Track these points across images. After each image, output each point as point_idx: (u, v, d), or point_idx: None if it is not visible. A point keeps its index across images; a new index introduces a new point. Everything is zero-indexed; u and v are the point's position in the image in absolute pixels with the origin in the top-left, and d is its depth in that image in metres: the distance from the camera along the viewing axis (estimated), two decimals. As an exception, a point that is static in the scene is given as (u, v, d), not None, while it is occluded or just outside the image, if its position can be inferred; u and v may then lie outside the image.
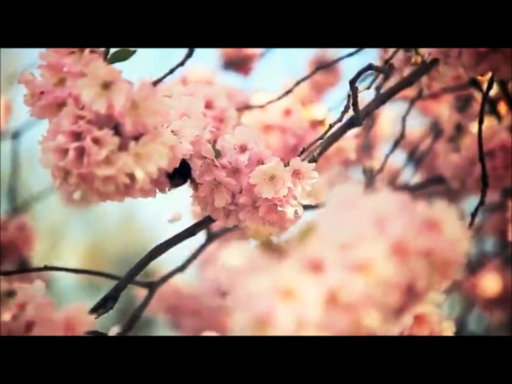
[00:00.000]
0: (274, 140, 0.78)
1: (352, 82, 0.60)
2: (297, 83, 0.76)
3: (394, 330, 0.52)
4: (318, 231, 0.41)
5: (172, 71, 0.54)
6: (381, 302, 0.40)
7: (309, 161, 0.64)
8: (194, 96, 0.68)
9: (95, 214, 2.40)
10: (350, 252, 0.40)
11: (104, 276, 0.73)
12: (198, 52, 0.66)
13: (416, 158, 1.03)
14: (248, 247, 0.41)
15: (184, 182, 0.60)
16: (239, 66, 1.25)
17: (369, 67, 0.60)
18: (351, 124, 0.64)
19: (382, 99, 0.66)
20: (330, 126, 0.63)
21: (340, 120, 0.63)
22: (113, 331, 0.60)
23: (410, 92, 0.82)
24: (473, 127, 0.80)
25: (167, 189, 0.61)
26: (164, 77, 0.54)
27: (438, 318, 0.56)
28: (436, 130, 0.96)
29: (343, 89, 1.18)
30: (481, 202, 0.61)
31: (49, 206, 2.04)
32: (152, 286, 0.76)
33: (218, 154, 0.62)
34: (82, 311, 0.52)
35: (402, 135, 0.79)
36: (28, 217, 1.19)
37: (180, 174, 0.58)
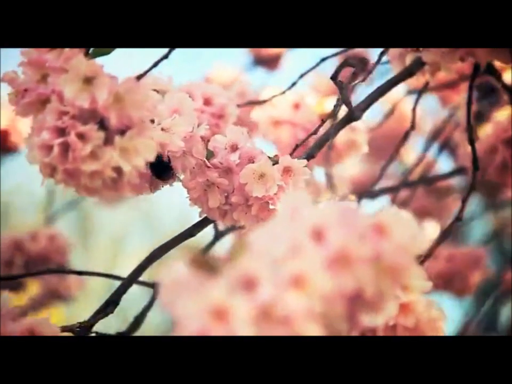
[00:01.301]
0: (284, 134, 0.79)
1: (334, 78, 0.61)
2: (301, 76, 0.78)
3: (378, 320, 0.53)
4: (251, 246, 0.41)
5: (156, 64, 0.55)
6: (321, 315, 0.40)
7: (307, 157, 0.65)
8: (191, 93, 0.70)
9: (153, 220, 2.45)
10: (284, 266, 0.40)
11: (108, 277, 0.75)
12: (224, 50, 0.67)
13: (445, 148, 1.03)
14: (180, 266, 0.41)
15: (171, 176, 0.61)
16: (268, 63, 1.27)
17: (346, 62, 0.61)
18: (349, 118, 0.65)
19: (381, 91, 0.67)
20: (323, 121, 0.64)
21: (333, 114, 0.64)
22: None
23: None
24: (494, 116, 0.81)
25: (161, 186, 0.63)
26: (149, 70, 0.55)
27: (425, 306, 0.56)
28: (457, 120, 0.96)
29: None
30: (472, 187, 0.61)
31: (111, 215, 2.09)
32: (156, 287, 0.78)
33: (211, 154, 0.63)
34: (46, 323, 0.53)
35: (412, 127, 0.79)
36: (60, 227, 1.22)
37: (157, 169, 0.60)
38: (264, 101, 0.80)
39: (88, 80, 0.52)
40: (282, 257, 0.40)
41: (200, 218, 0.67)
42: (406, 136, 0.80)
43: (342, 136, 0.77)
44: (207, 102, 0.71)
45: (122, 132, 0.54)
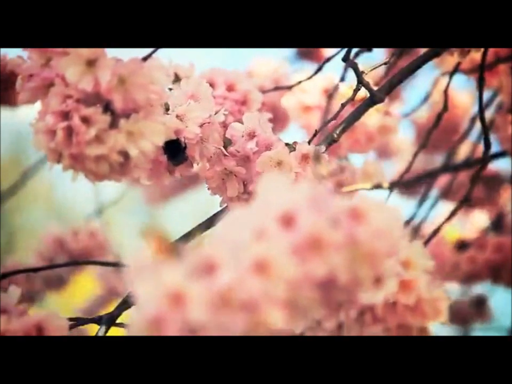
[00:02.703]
0: (315, 120, 0.78)
1: (345, 60, 0.59)
2: (327, 60, 0.77)
3: (377, 297, 0.52)
4: (214, 230, 0.41)
5: (159, 46, 0.55)
6: (286, 300, 0.39)
7: (329, 142, 0.64)
8: (213, 79, 0.70)
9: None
10: (246, 251, 0.39)
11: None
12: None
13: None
14: (143, 250, 0.41)
15: (183, 160, 0.61)
16: (312, 55, 1.26)
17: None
18: (371, 101, 0.64)
19: (406, 72, 0.65)
20: (343, 106, 0.62)
21: (352, 99, 0.62)
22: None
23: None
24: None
25: (179, 173, 0.63)
26: (151, 53, 0.55)
27: (427, 285, 0.55)
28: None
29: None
30: (482, 166, 0.59)
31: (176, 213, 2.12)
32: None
33: (229, 142, 0.63)
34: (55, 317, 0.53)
35: (445, 108, 0.77)
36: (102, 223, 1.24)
37: (170, 152, 0.59)
38: (291, 87, 0.79)
39: (90, 63, 0.52)
40: (245, 242, 0.39)
41: (221, 208, 0.66)
42: (438, 118, 0.77)
43: (374, 121, 0.75)
44: (229, 88, 0.70)
45: (128, 116, 0.53)
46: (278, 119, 0.93)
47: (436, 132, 1.08)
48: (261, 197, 0.41)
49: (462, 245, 0.93)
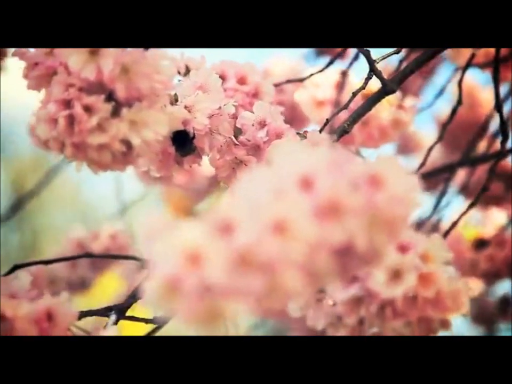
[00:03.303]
0: (328, 115, 0.77)
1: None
2: (339, 55, 0.76)
3: (397, 291, 0.51)
4: (232, 191, 0.40)
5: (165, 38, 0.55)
6: (303, 264, 0.38)
7: (340, 133, 0.63)
8: (224, 72, 0.69)
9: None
10: (265, 211, 0.39)
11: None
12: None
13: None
14: (163, 211, 0.41)
15: (192, 150, 0.61)
16: (330, 52, 1.25)
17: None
18: (383, 91, 0.63)
19: (418, 62, 0.64)
20: (354, 95, 0.62)
21: (363, 88, 0.62)
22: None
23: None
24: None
25: (188, 165, 0.63)
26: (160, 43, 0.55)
27: (447, 278, 0.54)
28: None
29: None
30: (500, 158, 0.58)
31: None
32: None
33: (239, 132, 0.62)
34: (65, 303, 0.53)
35: (459, 102, 0.76)
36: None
37: (178, 142, 0.59)
38: (303, 79, 0.78)
39: (94, 51, 0.52)
40: (264, 202, 0.39)
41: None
42: (453, 112, 0.76)
43: (387, 115, 0.75)
44: (240, 80, 0.70)
45: (131, 105, 0.53)
46: (297, 118, 0.93)
47: (461, 130, 1.07)
48: (279, 159, 0.41)
49: (480, 243, 0.92)
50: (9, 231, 2.37)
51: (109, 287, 1.32)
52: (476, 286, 0.99)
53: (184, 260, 0.38)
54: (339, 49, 1.24)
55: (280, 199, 0.39)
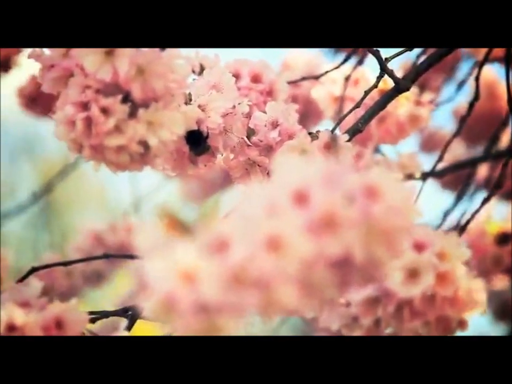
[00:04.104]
0: (345, 111, 0.78)
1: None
2: (354, 51, 0.77)
3: (415, 290, 0.52)
4: (224, 206, 0.41)
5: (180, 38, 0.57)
6: (299, 279, 0.39)
7: (353, 131, 0.64)
8: (238, 70, 0.71)
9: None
10: (258, 227, 0.39)
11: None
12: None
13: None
14: (157, 227, 0.41)
15: (205, 150, 0.62)
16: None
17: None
18: (396, 89, 0.64)
19: (432, 60, 0.65)
20: (366, 93, 0.63)
21: (375, 86, 0.62)
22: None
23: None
24: None
25: (202, 164, 0.64)
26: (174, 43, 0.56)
27: (464, 276, 0.54)
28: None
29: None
30: None
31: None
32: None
33: (252, 132, 0.64)
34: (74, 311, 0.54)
35: (476, 97, 0.77)
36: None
37: (191, 141, 0.61)
38: (318, 76, 0.79)
39: (109, 52, 0.53)
40: (257, 219, 0.39)
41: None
42: (470, 107, 0.77)
43: (405, 111, 0.75)
44: (255, 79, 0.71)
45: (148, 105, 0.55)
46: (312, 113, 0.94)
47: (481, 124, 1.07)
48: (274, 174, 0.41)
49: (503, 238, 0.92)
50: (38, 231, 2.40)
51: (126, 281, 1.34)
52: (499, 281, 0.99)
53: (179, 278, 0.39)
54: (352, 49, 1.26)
55: (274, 215, 0.39)
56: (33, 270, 0.72)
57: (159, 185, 1.31)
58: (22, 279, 0.70)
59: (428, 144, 1.27)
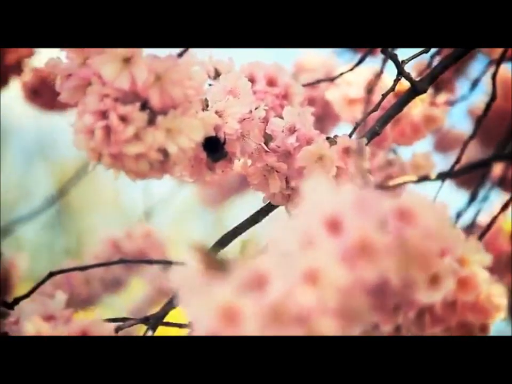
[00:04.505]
0: (360, 113, 0.78)
1: (383, 51, 0.59)
2: (369, 52, 0.77)
3: (436, 296, 0.52)
4: (260, 241, 0.41)
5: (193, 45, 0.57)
6: (340, 310, 0.39)
7: (371, 134, 0.64)
8: (253, 74, 0.71)
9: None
10: (296, 261, 0.39)
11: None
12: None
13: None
14: (190, 266, 0.41)
15: (223, 156, 0.62)
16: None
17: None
18: (413, 92, 0.64)
19: (448, 61, 0.65)
20: (383, 96, 0.63)
21: (392, 89, 0.62)
22: None
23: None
24: None
25: (220, 170, 0.64)
26: (185, 50, 0.56)
27: (484, 281, 0.54)
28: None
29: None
30: None
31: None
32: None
33: (270, 138, 0.64)
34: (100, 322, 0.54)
35: (493, 97, 0.76)
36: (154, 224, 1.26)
37: (209, 148, 0.61)
38: (333, 79, 0.79)
39: (127, 60, 0.53)
40: (293, 252, 0.39)
41: (265, 204, 0.67)
42: (487, 108, 0.77)
43: (419, 112, 0.75)
44: (270, 82, 0.71)
45: (166, 113, 0.55)
46: (329, 115, 0.94)
47: (496, 123, 1.07)
48: (306, 203, 0.41)
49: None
50: (54, 235, 2.41)
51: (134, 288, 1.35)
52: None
53: (220, 318, 0.39)
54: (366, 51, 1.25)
55: (309, 247, 0.39)
56: (51, 275, 0.72)
57: (174, 191, 1.32)
58: (39, 285, 0.71)
59: (442, 143, 1.27)
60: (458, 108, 0.94)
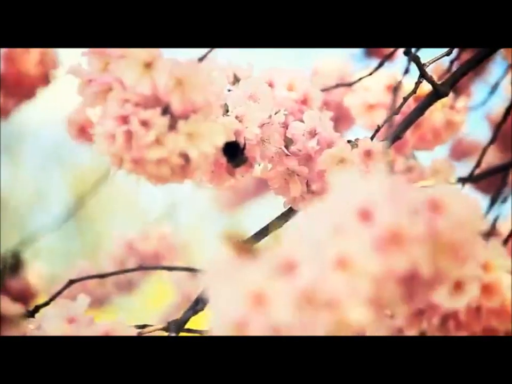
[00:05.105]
0: (378, 119, 0.78)
1: (407, 53, 0.59)
2: (388, 56, 0.76)
3: (460, 302, 0.51)
4: (291, 227, 0.41)
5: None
6: (370, 298, 0.39)
7: (393, 139, 0.64)
8: (273, 79, 0.70)
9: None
10: (326, 248, 0.39)
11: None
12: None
13: None
14: (221, 251, 0.41)
15: (243, 161, 0.62)
16: (379, 52, 1.25)
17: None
18: (435, 95, 0.63)
19: (470, 64, 0.64)
20: (405, 99, 0.62)
21: (414, 92, 0.62)
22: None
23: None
24: None
25: (240, 175, 0.64)
26: (210, 51, 0.56)
27: (509, 286, 0.53)
28: None
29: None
30: None
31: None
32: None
33: (290, 142, 0.63)
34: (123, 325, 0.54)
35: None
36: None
37: (229, 153, 0.60)
38: (351, 84, 0.79)
39: (148, 65, 0.53)
40: (324, 238, 0.39)
41: (285, 209, 0.67)
42: (507, 113, 0.76)
43: (439, 117, 0.75)
44: (289, 87, 0.71)
45: (187, 117, 0.54)
46: (343, 119, 0.93)
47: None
48: (336, 192, 0.41)
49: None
50: (70, 237, 2.41)
51: (156, 289, 1.34)
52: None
53: (250, 302, 0.39)
54: (387, 51, 1.25)
55: (340, 234, 0.39)
56: (71, 283, 0.72)
57: (191, 194, 1.32)
58: (59, 292, 0.71)
59: (457, 151, 1.26)
60: (474, 113, 0.93)
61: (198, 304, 0.65)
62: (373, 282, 0.39)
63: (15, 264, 1.06)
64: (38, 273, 1.08)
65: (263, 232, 0.66)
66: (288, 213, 0.66)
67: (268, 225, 0.67)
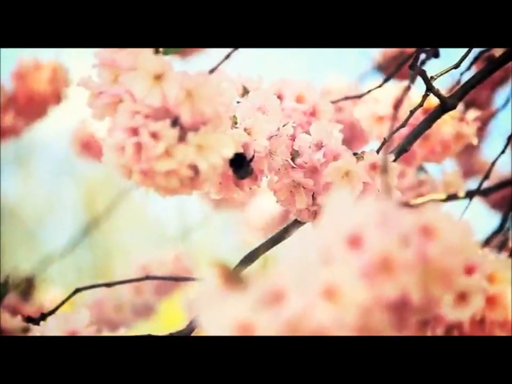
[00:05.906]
0: (388, 130, 0.78)
1: (412, 67, 0.59)
2: (398, 68, 0.76)
3: (464, 313, 0.51)
4: (279, 256, 0.40)
5: (227, 56, 0.57)
6: (360, 326, 0.38)
7: (399, 151, 0.64)
8: (282, 91, 0.71)
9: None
10: (313, 277, 0.38)
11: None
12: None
13: None
14: (209, 280, 0.41)
15: (249, 173, 0.62)
16: (389, 70, 1.25)
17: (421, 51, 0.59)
18: (443, 108, 0.63)
19: (479, 77, 0.64)
20: (411, 112, 0.62)
21: (421, 105, 0.62)
22: None
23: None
24: None
25: (248, 187, 0.64)
26: (221, 63, 0.57)
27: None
28: None
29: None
30: None
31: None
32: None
33: (297, 154, 0.63)
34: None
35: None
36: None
37: (235, 165, 0.61)
38: (361, 96, 0.79)
39: (158, 77, 0.53)
40: (312, 267, 0.39)
41: (291, 221, 0.67)
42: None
43: (449, 129, 0.75)
44: (298, 99, 0.71)
45: (197, 129, 0.55)
46: (356, 137, 0.93)
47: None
48: (326, 217, 0.41)
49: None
50: (82, 252, 2.42)
51: (173, 314, 1.34)
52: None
53: (236, 332, 0.38)
54: (395, 68, 1.25)
55: (328, 262, 0.39)
56: (77, 291, 0.72)
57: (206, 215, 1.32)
58: (65, 300, 0.71)
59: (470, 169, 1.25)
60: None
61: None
62: (361, 311, 0.38)
63: (28, 289, 1.07)
64: (51, 297, 1.09)
65: (253, 256, 0.66)
66: (280, 235, 0.67)
67: (257, 248, 0.67)
